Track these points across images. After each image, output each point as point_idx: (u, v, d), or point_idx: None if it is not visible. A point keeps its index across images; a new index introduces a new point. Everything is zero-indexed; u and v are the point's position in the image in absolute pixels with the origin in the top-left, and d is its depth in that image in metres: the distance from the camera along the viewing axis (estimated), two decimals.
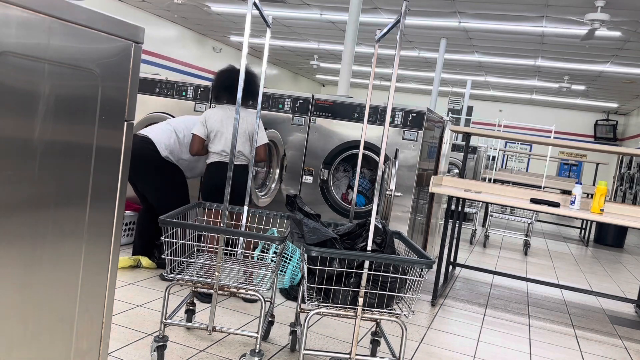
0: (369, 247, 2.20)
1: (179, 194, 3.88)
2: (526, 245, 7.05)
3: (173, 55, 12.23)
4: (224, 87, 3.60)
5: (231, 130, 3.52)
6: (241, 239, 2.90)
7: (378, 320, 2.66)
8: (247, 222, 3.03)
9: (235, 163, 3.54)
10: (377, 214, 2.21)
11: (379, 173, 2.31)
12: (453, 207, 4.41)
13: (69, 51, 1.20)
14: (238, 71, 3.36)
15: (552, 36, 8.72)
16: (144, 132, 3.83)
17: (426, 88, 16.71)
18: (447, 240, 4.48)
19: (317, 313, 2.25)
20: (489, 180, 8.18)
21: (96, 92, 1.30)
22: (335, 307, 2.25)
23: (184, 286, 3.57)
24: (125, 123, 1.41)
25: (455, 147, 8.61)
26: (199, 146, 3.62)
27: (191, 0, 9.54)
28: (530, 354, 3.32)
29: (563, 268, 6.33)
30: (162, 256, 4.13)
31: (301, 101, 4.41)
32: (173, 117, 4.55)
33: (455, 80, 14.59)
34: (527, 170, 15.64)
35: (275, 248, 3.27)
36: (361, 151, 2.89)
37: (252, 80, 3.53)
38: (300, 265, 3.03)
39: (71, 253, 1.31)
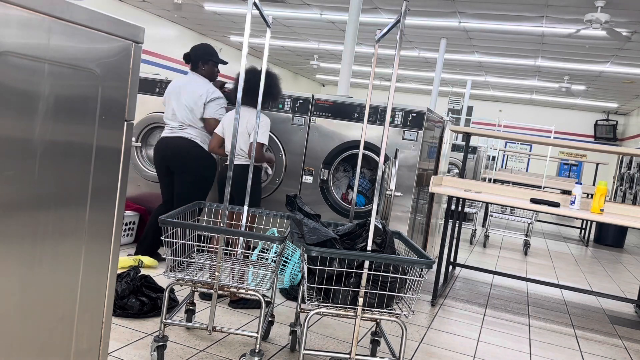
0: (369, 247, 2.20)
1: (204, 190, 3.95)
2: (526, 245, 7.05)
3: (173, 55, 12.23)
4: (244, 90, 3.57)
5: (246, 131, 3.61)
6: (241, 238, 2.90)
7: (378, 320, 2.66)
8: (247, 222, 3.03)
9: (243, 164, 3.60)
10: (377, 214, 2.21)
11: (379, 173, 2.31)
12: (453, 207, 4.41)
13: (69, 51, 1.20)
14: (259, 73, 3.37)
15: (552, 36, 8.72)
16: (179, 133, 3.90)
17: (426, 88, 16.72)
18: (447, 240, 4.48)
19: (317, 313, 2.25)
20: (489, 180, 8.18)
21: (96, 92, 1.30)
22: (335, 307, 2.25)
23: (184, 286, 3.57)
24: (125, 123, 1.40)
25: (455, 147, 8.61)
26: (215, 144, 3.71)
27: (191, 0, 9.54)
28: (530, 354, 3.32)
29: (563, 268, 6.33)
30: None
31: (301, 101, 4.40)
32: None
33: (455, 80, 14.59)
34: (527, 170, 15.65)
35: (276, 248, 3.27)
36: (361, 151, 2.89)
37: (273, 82, 3.61)
38: (300, 265, 3.03)
39: (71, 253, 1.31)
